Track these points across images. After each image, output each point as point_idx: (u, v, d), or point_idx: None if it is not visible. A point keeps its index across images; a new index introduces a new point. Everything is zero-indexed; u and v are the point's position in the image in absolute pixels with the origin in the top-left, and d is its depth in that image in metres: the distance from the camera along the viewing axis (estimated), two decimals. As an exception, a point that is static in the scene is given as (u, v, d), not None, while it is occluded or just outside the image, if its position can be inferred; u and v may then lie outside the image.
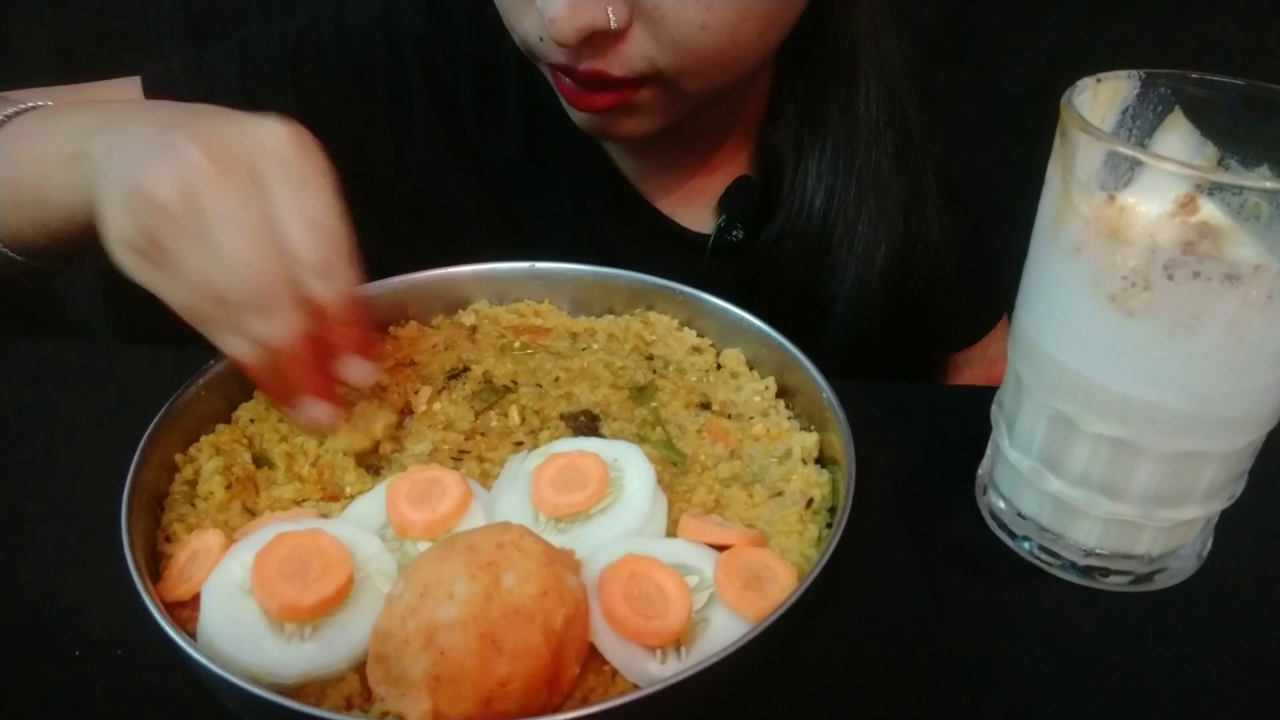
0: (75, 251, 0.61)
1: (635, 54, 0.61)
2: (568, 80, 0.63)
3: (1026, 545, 0.50)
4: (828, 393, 0.51)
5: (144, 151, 0.48)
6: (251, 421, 0.53)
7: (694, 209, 0.80)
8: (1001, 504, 0.52)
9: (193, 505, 0.48)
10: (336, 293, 0.47)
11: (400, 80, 0.78)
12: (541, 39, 0.61)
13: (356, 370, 0.50)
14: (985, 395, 0.54)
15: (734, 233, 0.78)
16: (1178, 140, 0.46)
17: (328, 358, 0.49)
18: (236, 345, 0.47)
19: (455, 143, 0.80)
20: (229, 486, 0.48)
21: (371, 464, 0.52)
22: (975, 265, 0.79)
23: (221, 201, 0.45)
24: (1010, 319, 0.86)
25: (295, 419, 0.51)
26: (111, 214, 0.47)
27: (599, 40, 0.60)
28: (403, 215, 0.77)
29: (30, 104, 0.64)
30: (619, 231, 0.79)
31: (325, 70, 0.77)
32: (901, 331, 0.78)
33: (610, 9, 0.58)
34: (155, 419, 0.48)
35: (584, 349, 0.60)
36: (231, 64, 0.76)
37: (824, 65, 0.73)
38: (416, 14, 0.79)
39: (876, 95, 0.73)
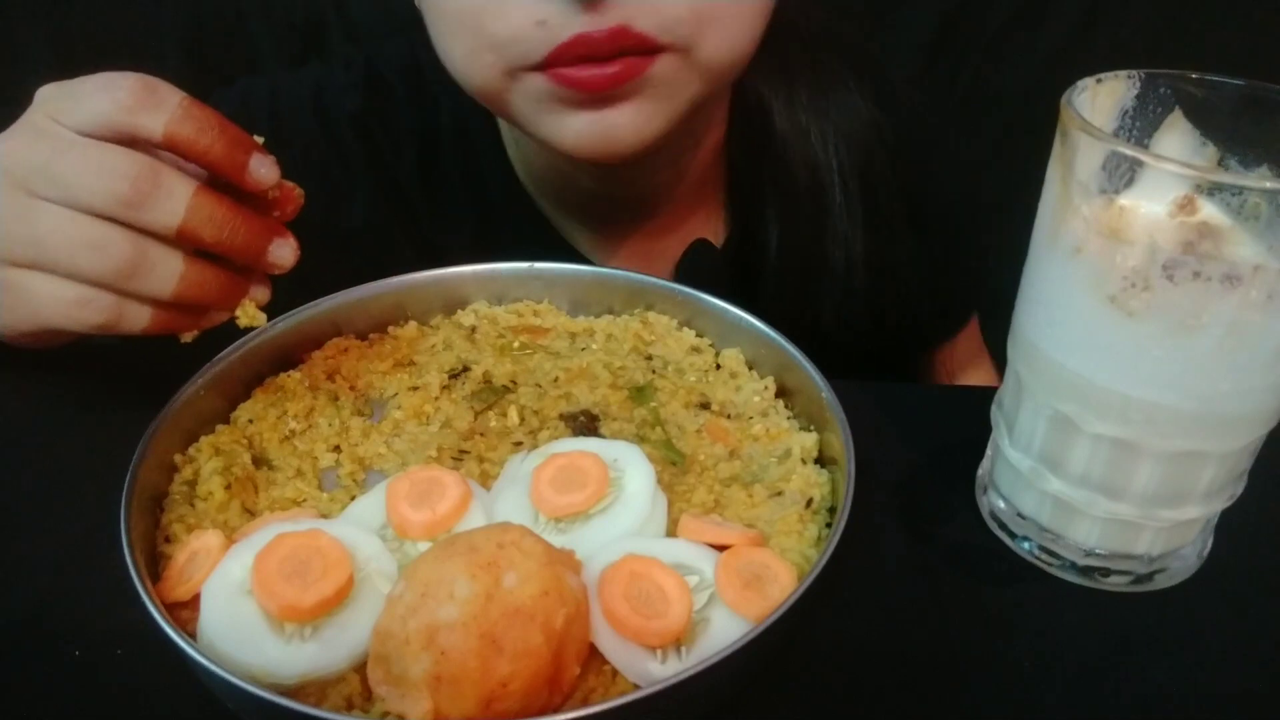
0: None
1: (655, 6, 0.55)
2: (570, 69, 0.57)
3: (1026, 545, 0.50)
4: (827, 393, 0.51)
5: None
6: (251, 421, 0.53)
7: (652, 274, 0.80)
8: (1001, 504, 0.52)
9: (192, 506, 0.48)
10: (169, 113, 0.46)
11: (339, 164, 0.76)
12: (543, 23, 0.55)
13: (284, 251, 0.50)
14: (985, 395, 0.54)
15: None
16: (1178, 141, 0.46)
17: (230, 196, 0.48)
18: (160, 274, 0.47)
19: (405, 226, 0.78)
20: (228, 487, 0.48)
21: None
22: (942, 265, 0.80)
23: (37, 162, 0.45)
24: (979, 318, 0.88)
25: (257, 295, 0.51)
26: None
27: None
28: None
29: None
30: None
31: None
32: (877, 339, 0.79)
33: None
34: (155, 419, 0.48)
35: (583, 349, 0.60)
36: None
37: (777, 130, 0.73)
38: (351, 91, 0.77)
39: (837, 147, 0.74)
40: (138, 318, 0.48)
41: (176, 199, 0.46)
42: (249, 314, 0.52)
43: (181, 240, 0.47)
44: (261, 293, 0.52)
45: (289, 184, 0.51)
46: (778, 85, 0.73)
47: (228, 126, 0.48)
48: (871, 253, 0.76)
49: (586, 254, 0.79)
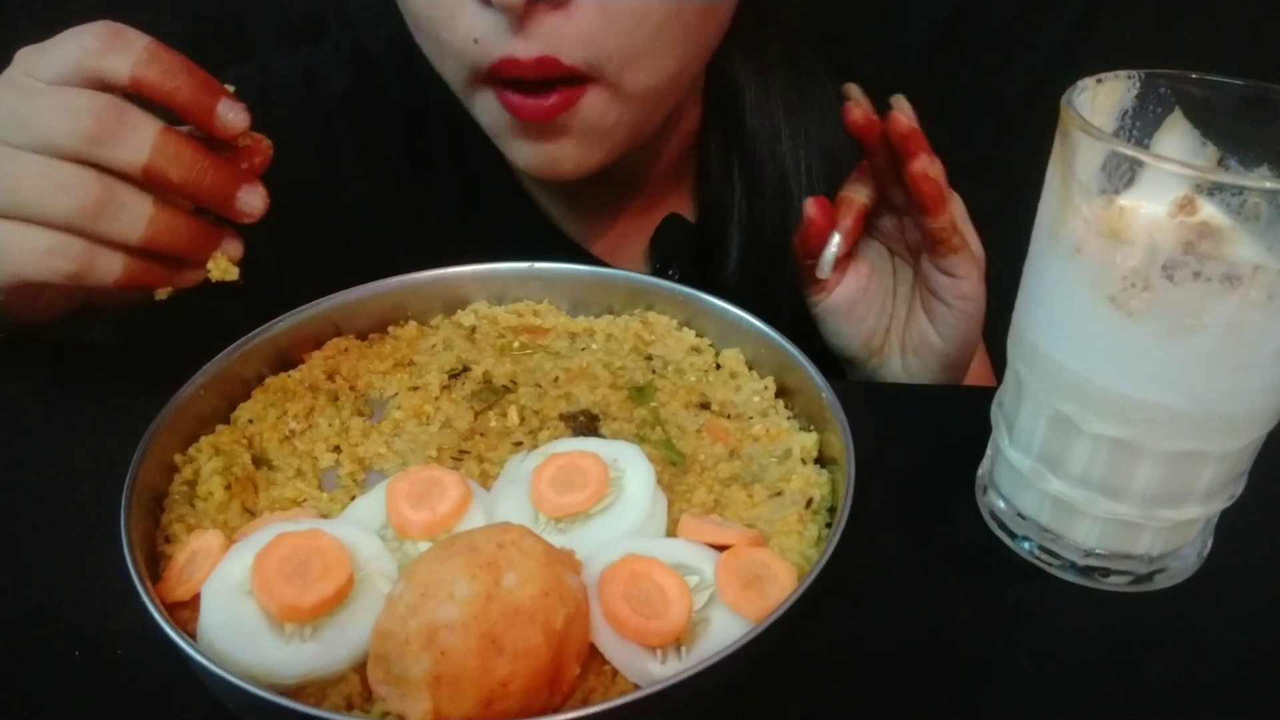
0: None
1: (582, 38, 0.58)
2: (512, 94, 0.60)
3: (1026, 545, 0.50)
4: (827, 393, 0.51)
5: None
6: (251, 422, 0.53)
7: (629, 252, 0.81)
8: (1001, 504, 0.52)
9: (192, 506, 0.48)
10: (136, 56, 0.47)
11: (329, 140, 0.77)
12: (476, 40, 0.59)
13: (252, 198, 0.50)
14: (985, 395, 0.54)
15: (671, 273, 0.79)
16: (1178, 141, 0.46)
17: (202, 144, 0.49)
18: (129, 212, 0.47)
19: (392, 200, 0.79)
20: (228, 487, 0.48)
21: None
22: None
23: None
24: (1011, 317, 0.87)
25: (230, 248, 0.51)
26: None
27: (542, 14, 0.57)
28: (346, 263, 0.75)
29: None
30: None
31: None
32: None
33: None
34: (155, 419, 0.48)
35: (583, 349, 0.60)
36: None
37: (747, 120, 0.75)
38: (340, 70, 0.78)
39: (806, 145, 0.75)
40: (110, 267, 0.48)
41: (142, 136, 0.47)
42: (221, 267, 0.52)
43: (148, 178, 0.47)
44: (234, 247, 0.52)
45: (259, 135, 0.51)
46: (752, 81, 0.74)
47: (195, 71, 0.48)
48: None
49: (566, 230, 0.80)
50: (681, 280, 0.78)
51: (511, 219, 0.79)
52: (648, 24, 0.59)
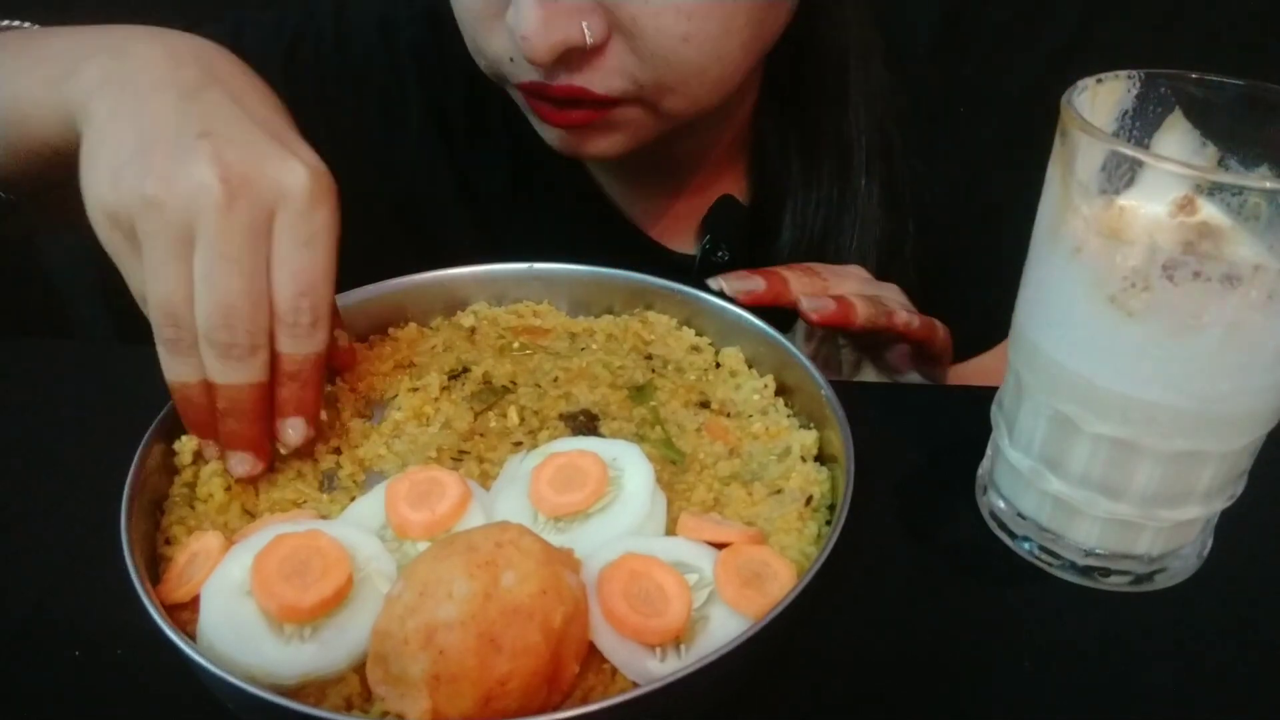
0: (52, 187, 0.55)
1: (615, 70, 0.59)
2: (538, 102, 0.61)
3: (1026, 545, 0.50)
4: (826, 390, 0.51)
5: (155, 132, 0.45)
6: (251, 422, 0.53)
7: (681, 231, 0.81)
8: (1001, 504, 0.52)
9: (192, 507, 0.48)
10: (302, 353, 0.47)
11: (398, 89, 0.77)
12: (512, 59, 0.59)
13: (293, 432, 0.48)
14: (985, 395, 0.54)
15: (719, 254, 0.78)
16: (1178, 141, 0.46)
17: (268, 408, 0.48)
18: (179, 368, 0.46)
19: (446, 159, 0.79)
20: (228, 489, 0.48)
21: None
22: (965, 281, 0.79)
23: (223, 235, 0.43)
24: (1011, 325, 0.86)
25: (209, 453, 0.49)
26: (98, 176, 0.45)
27: (575, 57, 0.58)
28: (391, 219, 0.76)
29: (11, 23, 0.62)
30: (604, 257, 0.80)
31: (320, 75, 0.75)
32: None
33: (585, 24, 0.56)
34: (155, 420, 0.48)
35: (583, 349, 0.60)
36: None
37: (813, 89, 0.73)
38: (415, 23, 0.78)
39: (866, 122, 0.73)
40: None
41: (220, 370, 0.45)
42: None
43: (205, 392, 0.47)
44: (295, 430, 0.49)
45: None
46: (832, 36, 0.73)
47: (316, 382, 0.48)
48: (885, 236, 0.76)
49: (619, 206, 0.80)
50: (732, 261, 0.77)
51: (563, 190, 0.79)
52: (686, 66, 0.58)
